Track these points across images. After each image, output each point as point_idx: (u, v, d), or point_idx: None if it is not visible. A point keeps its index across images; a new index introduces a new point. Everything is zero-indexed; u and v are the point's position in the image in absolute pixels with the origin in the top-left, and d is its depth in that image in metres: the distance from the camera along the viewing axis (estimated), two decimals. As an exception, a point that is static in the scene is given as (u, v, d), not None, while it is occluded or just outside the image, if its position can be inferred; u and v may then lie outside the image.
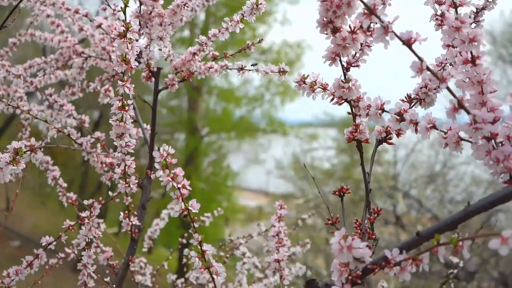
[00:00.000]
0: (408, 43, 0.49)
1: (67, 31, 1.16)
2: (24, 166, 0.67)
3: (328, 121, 10.81)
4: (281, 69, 0.81)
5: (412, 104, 0.67)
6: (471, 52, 0.52)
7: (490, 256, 6.18)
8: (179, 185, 0.60)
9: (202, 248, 0.63)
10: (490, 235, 0.40)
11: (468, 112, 0.50)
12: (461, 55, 0.53)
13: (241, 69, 0.93)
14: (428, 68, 0.49)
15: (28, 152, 0.64)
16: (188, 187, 0.61)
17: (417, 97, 0.67)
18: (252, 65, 0.94)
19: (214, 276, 0.62)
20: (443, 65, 0.67)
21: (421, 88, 0.67)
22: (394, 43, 0.51)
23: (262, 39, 0.98)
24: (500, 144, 0.50)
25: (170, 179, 0.60)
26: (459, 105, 0.50)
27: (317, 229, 7.31)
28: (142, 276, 1.22)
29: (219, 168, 11.40)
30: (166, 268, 1.35)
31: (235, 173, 11.55)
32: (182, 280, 1.40)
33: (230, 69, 0.95)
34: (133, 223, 0.95)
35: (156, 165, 0.59)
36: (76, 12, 1.07)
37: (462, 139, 0.53)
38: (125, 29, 0.66)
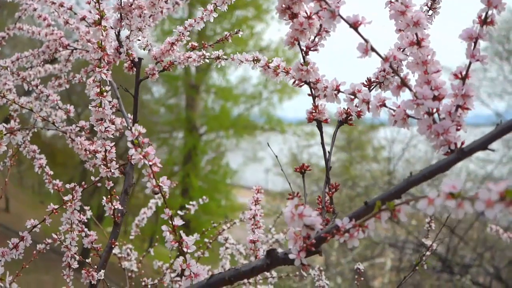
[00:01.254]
0: (354, 26, 0.53)
1: (53, 24, 1.20)
2: (5, 148, 0.71)
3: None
4: (255, 58, 0.85)
5: (372, 87, 0.71)
6: (416, 35, 0.56)
7: (485, 251, 6.23)
8: (151, 163, 0.64)
9: (173, 223, 0.67)
10: (418, 198, 0.44)
11: (410, 90, 0.54)
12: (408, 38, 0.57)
13: (217, 58, 0.96)
14: (372, 49, 0.53)
15: (8, 134, 0.68)
16: (159, 165, 0.65)
17: (377, 80, 0.71)
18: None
19: (184, 249, 0.66)
20: (401, 49, 0.71)
21: (380, 71, 0.70)
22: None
23: (239, 30, 1.02)
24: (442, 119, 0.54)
25: (142, 157, 0.64)
26: (402, 83, 0.54)
27: None
28: (128, 262, 1.26)
29: (218, 166, 11.44)
30: (152, 254, 1.39)
31: (234, 171, 11.59)
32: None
33: (207, 58, 0.99)
34: (116, 207, 0.99)
35: (128, 144, 0.63)
36: (61, 5, 1.10)
37: (408, 115, 0.57)
38: (99, 17, 0.69)
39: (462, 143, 0.53)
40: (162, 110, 11.66)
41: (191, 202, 1.39)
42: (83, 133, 1.04)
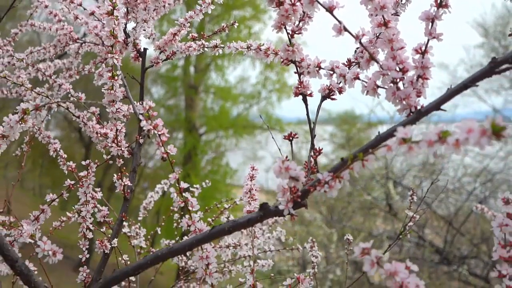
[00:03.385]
0: (330, 10, 0.64)
1: (63, 20, 1.30)
2: (29, 126, 0.81)
3: (325, 118, 10.96)
4: (249, 45, 0.94)
5: (352, 66, 0.81)
6: (383, 17, 0.66)
7: (481, 242, 6.34)
8: (160, 133, 0.74)
9: (180, 185, 0.77)
10: (379, 148, 0.54)
11: (377, 62, 0.64)
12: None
13: (215, 46, 1.07)
14: (345, 29, 0.63)
15: (34, 111, 0.78)
16: (167, 134, 0.75)
17: (356, 60, 0.81)
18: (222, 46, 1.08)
19: (190, 208, 0.76)
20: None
21: (358, 53, 0.81)
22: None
23: (235, 22, 1.12)
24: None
25: (152, 128, 0.74)
26: (371, 57, 0.64)
27: (315, 224, 7.47)
28: (137, 240, 1.37)
29: (218, 166, 11.53)
30: (159, 232, 1.49)
31: (234, 170, 11.67)
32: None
33: (206, 47, 1.09)
34: (126, 184, 1.09)
35: (140, 117, 0.73)
36: (72, 2, 1.20)
37: (378, 86, 0.67)
38: (112, 8, 0.80)
39: (422, 106, 0.63)
40: (162, 111, 11.75)
41: (194, 185, 1.49)
42: (94, 118, 1.15)
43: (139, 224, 1.40)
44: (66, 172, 1.19)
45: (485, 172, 7.17)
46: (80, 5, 1.21)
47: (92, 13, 1.17)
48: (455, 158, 7.36)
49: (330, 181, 0.63)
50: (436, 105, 0.60)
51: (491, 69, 0.57)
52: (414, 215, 1.21)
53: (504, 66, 0.58)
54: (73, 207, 1.19)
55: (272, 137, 1.06)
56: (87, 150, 10.28)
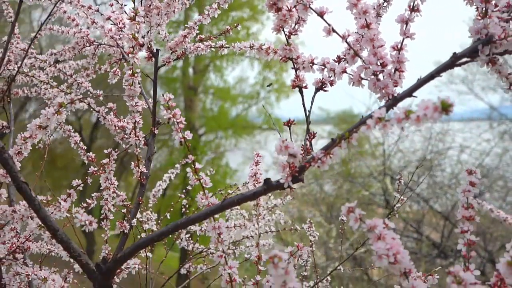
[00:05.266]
0: (321, 14, 0.76)
1: (81, 24, 1.43)
2: (65, 117, 0.94)
3: (323, 118, 11.09)
4: (251, 45, 1.07)
5: (342, 61, 0.94)
6: (365, 20, 0.79)
7: (478, 235, 6.47)
8: (178, 120, 0.87)
9: (195, 166, 0.90)
10: (361, 125, 0.67)
11: (361, 58, 0.77)
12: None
13: (221, 46, 1.19)
14: (333, 30, 0.76)
15: (69, 104, 0.91)
16: (184, 122, 0.88)
17: (344, 57, 0.94)
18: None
19: (204, 185, 0.89)
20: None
21: (346, 50, 0.93)
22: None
23: (238, 24, 1.25)
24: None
25: (172, 116, 0.87)
26: (355, 54, 0.77)
27: (315, 221, 7.60)
28: (149, 224, 1.49)
29: (218, 166, 11.66)
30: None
31: (234, 170, 11.79)
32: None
33: (213, 48, 1.22)
34: (142, 171, 1.22)
35: (161, 107, 0.86)
36: (89, 8, 1.33)
37: (362, 78, 0.80)
38: (134, 14, 0.92)
39: (398, 94, 0.76)
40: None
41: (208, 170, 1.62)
42: (111, 112, 1.27)
43: (150, 210, 1.53)
44: (87, 161, 1.31)
45: (481, 168, 7.31)
46: (97, 10, 1.34)
47: (109, 18, 1.30)
48: (451, 154, 7.51)
49: (322, 157, 0.76)
50: (409, 93, 0.73)
51: (452, 63, 0.70)
52: (402, 197, 1.34)
53: (463, 60, 0.71)
54: (91, 196, 1.32)
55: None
56: (87, 152, 10.39)
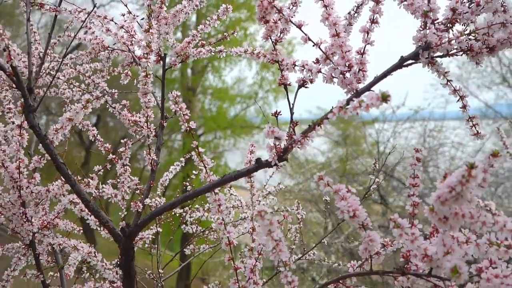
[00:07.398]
0: (299, 26, 0.96)
1: (96, 31, 1.63)
2: (89, 111, 1.14)
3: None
4: (246, 50, 1.27)
5: (317, 63, 1.14)
6: (335, 30, 0.99)
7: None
8: (184, 113, 1.07)
9: (198, 150, 1.09)
10: (329, 113, 0.86)
11: (331, 61, 0.97)
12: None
13: (220, 51, 1.39)
14: (309, 38, 0.96)
15: (95, 100, 1.10)
16: (188, 114, 1.07)
17: (319, 59, 1.13)
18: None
19: (206, 165, 1.09)
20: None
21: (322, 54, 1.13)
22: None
23: (234, 31, 1.45)
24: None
25: (179, 109, 1.07)
26: (326, 57, 0.97)
27: (316, 223, 7.82)
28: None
29: (216, 166, 11.84)
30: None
31: (233, 170, 11.97)
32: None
33: (213, 52, 1.42)
34: (153, 158, 1.41)
35: (170, 102, 1.06)
36: (105, 18, 1.53)
37: (333, 76, 1.00)
38: (149, 27, 1.12)
39: (359, 89, 0.96)
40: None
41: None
42: (125, 108, 1.47)
43: (159, 195, 1.73)
44: (104, 152, 1.51)
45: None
46: (112, 20, 1.54)
47: (122, 27, 1.50)
48: (445, 151, 7.72)
49: (302, 140, 0.96)
50: (367, 88, 0.93)
51: (400, 64, 0.90)
52: (377, 179, 1.54)
53: (409, 62, 0.90)
54: (107, 182, 1.52)
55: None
56: (87, 153, 10.60)
